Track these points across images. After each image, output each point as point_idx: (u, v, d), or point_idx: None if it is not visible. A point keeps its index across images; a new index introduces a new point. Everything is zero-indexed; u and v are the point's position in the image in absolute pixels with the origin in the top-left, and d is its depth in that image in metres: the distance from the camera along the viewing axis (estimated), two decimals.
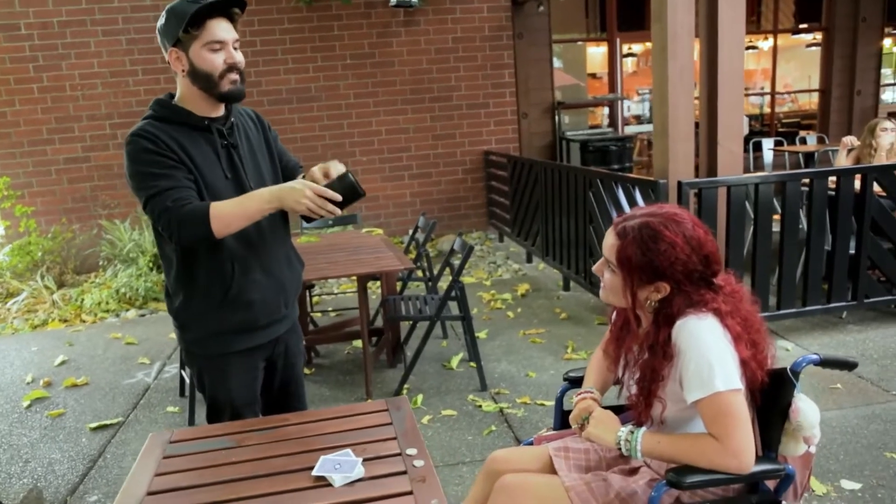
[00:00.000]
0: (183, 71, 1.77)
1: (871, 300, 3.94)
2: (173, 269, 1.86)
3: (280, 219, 1.96)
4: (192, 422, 3.26)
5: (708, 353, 1.40)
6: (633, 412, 1.55)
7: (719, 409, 1.37)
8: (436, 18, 7.00)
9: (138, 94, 6.50)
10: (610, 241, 1.52)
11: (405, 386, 3.53)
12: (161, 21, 1.76)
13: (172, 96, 1.86)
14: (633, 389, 1.54)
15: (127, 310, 5.31)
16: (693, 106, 3.82)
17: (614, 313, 1.73)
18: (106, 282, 5.80)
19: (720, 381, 1.37)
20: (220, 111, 1.85)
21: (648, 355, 1.47)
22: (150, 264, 5.73)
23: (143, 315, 5.26)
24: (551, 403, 3.32)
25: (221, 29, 1.75)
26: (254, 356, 1.96)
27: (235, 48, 1.78)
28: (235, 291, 1.85)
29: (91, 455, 3.12)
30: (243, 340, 1.90)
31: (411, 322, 4.01)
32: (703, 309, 1.44)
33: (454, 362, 3.89)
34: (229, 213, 1.72)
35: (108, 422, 3.43)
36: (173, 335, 4.69)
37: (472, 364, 3.79)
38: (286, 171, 2.04)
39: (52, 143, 6.47)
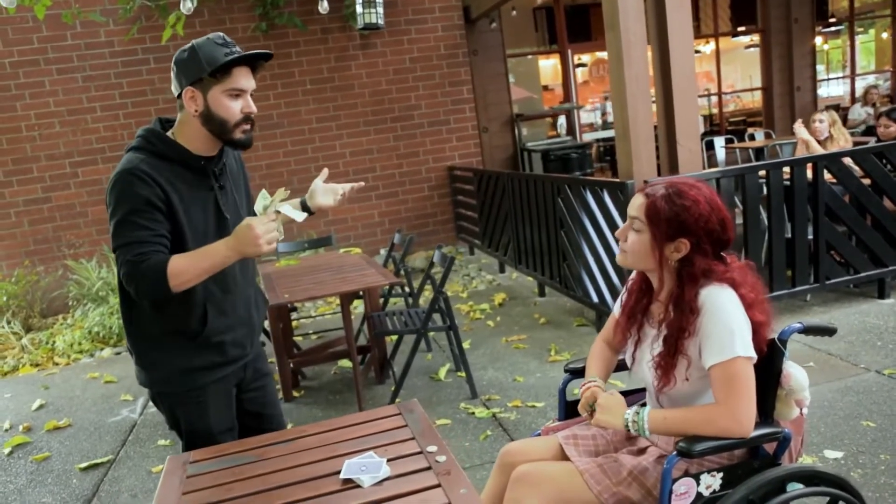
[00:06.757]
0: (196, 111, 1.74)
1: (832, 281, 4.15)
2: (135, 310, 1.81)
3: (250, 260, 1.96)
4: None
5: (729, 320, 1.51)
6: (657, 372, 1.62)
7: (733, 373, 1.48)
8: (392, 40, 7.12)
9: (97, 131, 6.42)
10: (638, 201, 1.62)
11: (397, 400, 3.57)
12: (183, 55, 1.72)
13: (163, 126, 1.81)
14: (658, 350, 1.62)
15: (101, 349, 5.21)
16: (651, 109, 3.99)
17: (624, 293, 1.82)
18: (76, 322, 5.68)
19: (740, 347, 1.48)
20: (216, 151, 1.83)
21: (675, 314, 1.57)
22: None
23: (118, 353, 5.16)
24: (542, 405, 3.41)
25: (245, 78, 1.75)
26: (227, 382, 1.95)
27: (251, 97, 1.78)
28: (207, 334, 1.83)
29: (84, 495, 3.06)
30: (211, 375, 1.89)
31: (397, 337, 4.06)
32: (721, 279, 1.55)
33: (442, 373, 3.94)
34: (187, 271, 1.66)
35: (97, 461, 3.38)
36: None
37: (460, 374, 3.85)
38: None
39: (9, 186, 6.32)
